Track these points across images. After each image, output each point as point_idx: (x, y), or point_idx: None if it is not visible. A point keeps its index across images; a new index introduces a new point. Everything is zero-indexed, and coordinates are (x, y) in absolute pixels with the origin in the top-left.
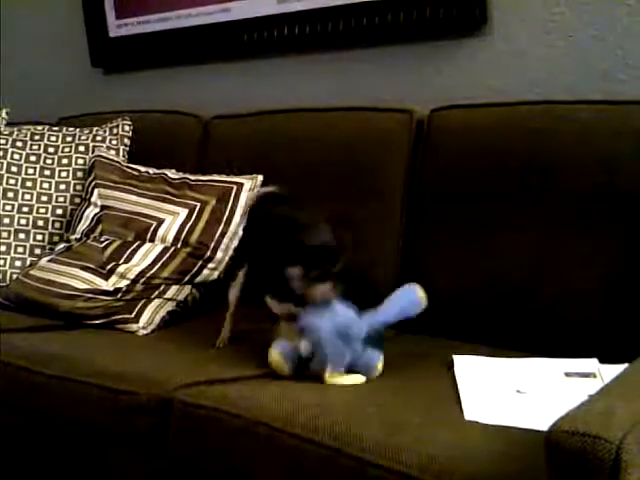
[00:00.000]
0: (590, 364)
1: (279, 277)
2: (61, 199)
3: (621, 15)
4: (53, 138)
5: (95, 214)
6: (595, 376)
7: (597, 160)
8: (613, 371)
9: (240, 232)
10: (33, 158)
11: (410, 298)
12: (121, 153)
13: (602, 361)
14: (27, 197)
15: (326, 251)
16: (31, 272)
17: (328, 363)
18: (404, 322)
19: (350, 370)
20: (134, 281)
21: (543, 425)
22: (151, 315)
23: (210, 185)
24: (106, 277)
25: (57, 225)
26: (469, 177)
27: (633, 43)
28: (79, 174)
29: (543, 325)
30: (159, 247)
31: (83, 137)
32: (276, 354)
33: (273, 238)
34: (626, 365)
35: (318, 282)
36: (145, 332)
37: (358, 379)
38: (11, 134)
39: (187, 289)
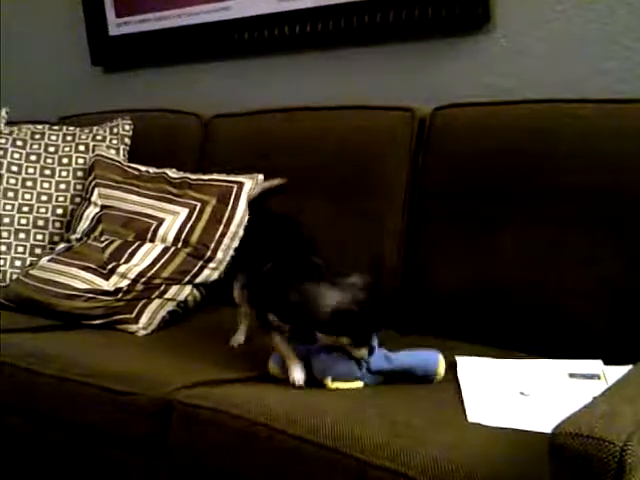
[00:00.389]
0: (594, 365)
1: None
2: (61, 199)
3: (624, 13)
4: (53, 137)
5: (95, 214)
6: (599, 378)
7: (600, 159)
8: (617, 372)
9: (241, 231)
10: (33, 157)
11: (427, 362)
12: (121, 152)
13: (606, 362)
14: (27, 197)
15: (370, 318)
16: (31, 272)
17: (326, 370)
18: (406, 322)
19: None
20: (134, 281)
21: (547, 427)
22: (151, 315)
23: (210, 185)
24: (106, 277)
25: (57, 225)
26: (471, 176)
27: (636, 41)
28: (79, 173)
29: (547, 326)
30: (159, 247)
31: (83, 136)
32: (273, 367)
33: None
34: (630, 367)
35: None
36: (145, 332)
37: (358, 384)
38: (11, 133)
39: (187, 289)
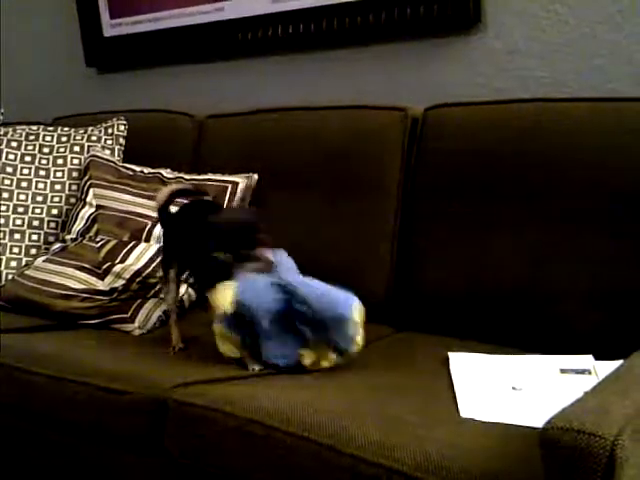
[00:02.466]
0: (585, 361)
1: (209, 268)
2: (56, 199)
3: (614, 11)
4: (48, 138)
5: (90, 214)
6: (590, 373)
7: (593, 157)
8: (608, 368)
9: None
10: (28, 158)
11: (346, 298)
12: (116, 153)
13: (597, 358)
14: (22, 197)
15: (241, 230)
16: (27, 272)
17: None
18: (400, 319)
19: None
20: (130, 281)
21: (538, 422)
22: (147, 315)
23: (205, 184)
24: (102, 277)
25: (52, 225)
26: (464, 175)
27: (627, 39)
28: (74, 174)
29: (539, 322)
30: (155, 247)
31: (78, 137)
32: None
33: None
34: (621, 362)
35: (245, 262)
36: (141, 332)
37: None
38: (6, 134)
39: (183, 288)
